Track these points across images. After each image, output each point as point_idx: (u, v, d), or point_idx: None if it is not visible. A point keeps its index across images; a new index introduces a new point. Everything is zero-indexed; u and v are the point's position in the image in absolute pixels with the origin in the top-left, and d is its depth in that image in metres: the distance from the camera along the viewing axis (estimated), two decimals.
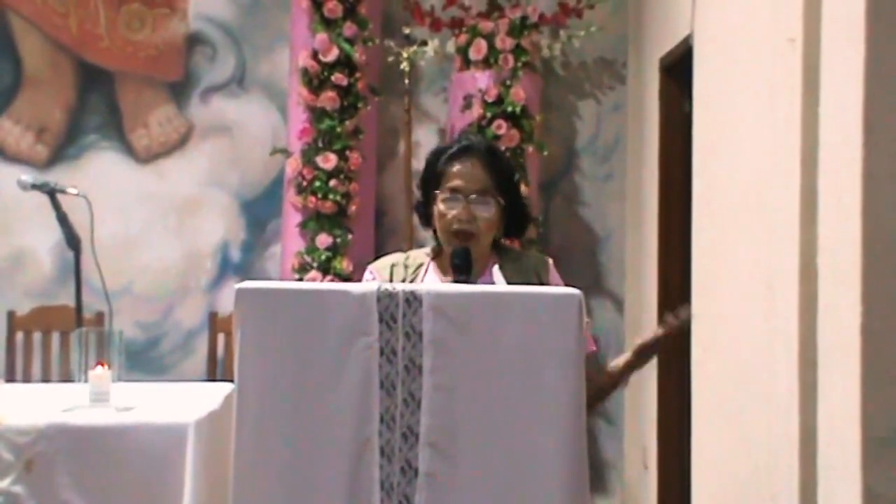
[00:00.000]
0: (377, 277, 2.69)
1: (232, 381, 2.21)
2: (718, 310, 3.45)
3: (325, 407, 2.13)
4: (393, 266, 2.72)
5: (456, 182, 2.65)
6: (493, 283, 2.62)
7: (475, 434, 2.12)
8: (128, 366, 3.14)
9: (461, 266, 2.54)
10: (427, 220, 2.77)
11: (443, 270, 2.69)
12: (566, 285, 2.73)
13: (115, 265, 4.92)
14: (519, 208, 2.76)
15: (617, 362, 2.82)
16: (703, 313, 3.69)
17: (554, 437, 2.11)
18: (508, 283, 2.63)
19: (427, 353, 2.14)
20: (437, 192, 2.67)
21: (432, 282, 2.65)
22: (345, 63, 5.05)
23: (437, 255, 2.75)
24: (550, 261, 2.80)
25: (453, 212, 2.63)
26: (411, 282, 2.66)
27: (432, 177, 2.71)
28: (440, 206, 2.65)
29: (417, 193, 2.84)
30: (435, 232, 2.76)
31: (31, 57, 5.49)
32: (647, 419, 4.84)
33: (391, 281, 2.66)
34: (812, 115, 2.43)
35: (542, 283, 2.69)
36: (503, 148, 4.94)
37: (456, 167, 2.66)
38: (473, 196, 2.63)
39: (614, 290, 5.52)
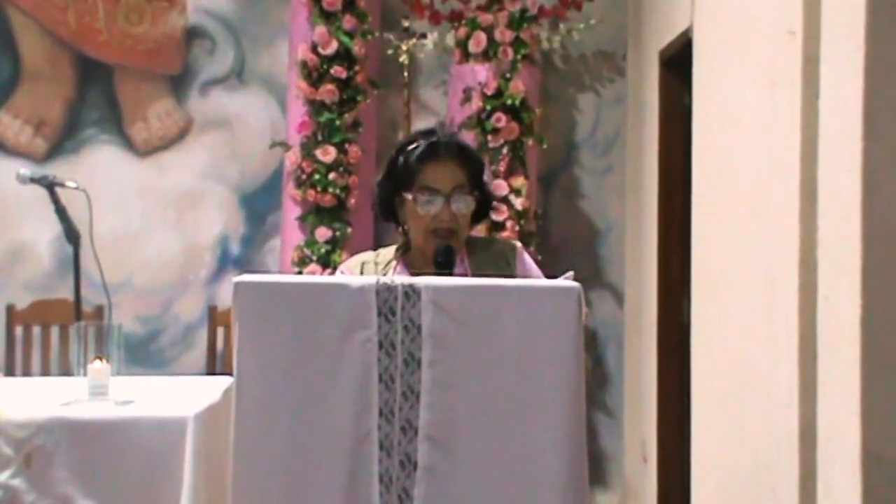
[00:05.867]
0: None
1: (231, 374, 2.20)
2: (718, 302, 3.45)
3: (324, 400, 2.13)
4: (364, 264, 2.71)
5: (432, 181, 2.61)
6: (467, 274, 2.60)
7: (474, 427, 2.12)
8: (127, 360, 3.14)
9: (445, 263, 2.52)
10: (390, 215, 2.73)
11: (412, 266, 2.67)
12: (540, 268, 2.75)
13: (114, 259, 4.92)
14: (488, 199, 2.75)
15: None
16: (703, 306, 3.69)
17: (553, 430, 2.11)
18: (479, 271, 2.62)
19: (426, 346, 2.14)
20: (410, 191, 2.62)
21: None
22: (344, 56, 5.04)
23: (405, 251, 2.73)
24: (519, 245, 2.77)
25: (433, 211, 2.60)
26: None
27: (402, 174, 2.65)
28: (417, 207, 2.61)
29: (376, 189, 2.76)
30: (401, 228, 2.73)
31: (30, 51, 5.48)
32: (646, 412, 4.84)
33: None
34: (812, 107, 2.43)
35: (511, 269, 2.68)
36: (502, 141, 4.95)
37: (430, 165, 2.62)
38: (452, 194, 2.61)
39: (614, 282, 5.52)
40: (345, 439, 2.13)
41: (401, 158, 2.66)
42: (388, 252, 2.75)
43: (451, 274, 2.50)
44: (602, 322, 5.36)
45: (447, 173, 2.62)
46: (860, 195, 2.13)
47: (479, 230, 3.05)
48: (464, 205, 2.63)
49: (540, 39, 5.22)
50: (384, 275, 2.64)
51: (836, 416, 2.30)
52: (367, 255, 2.76)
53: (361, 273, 2.67)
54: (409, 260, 2.70)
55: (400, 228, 2.75)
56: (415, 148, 2.65)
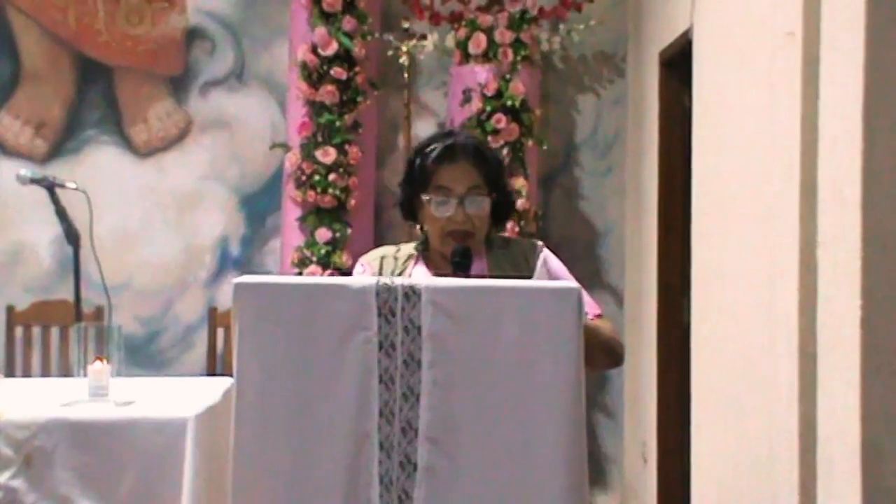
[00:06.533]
0: (367, 269, 2.67)
1: (231, 375, 2.20)
2: (718, 303, 3.45)
3: (324, 401, 2.13)
4: (383, 258, 2.71)
5: (446, 183, 2.60)
6: (484, 273, 2.60)
7: (474, 428, 2.12)
8: (127, 360, 3.15)
9: (462, 263, 2.52)
10: (411, 216, 2.73)
11: (432, 264, 2.67)
12: (566, 266, 2.75)
13: (114, 260, 4.93)
14: (508, 199, 2.75)
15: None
16: (703, 306, 3.69)
17: (553, 431, 2.11)
18: (496, 270, 2.62)
19: (426, 347, 2.13)
20: (426, 193, 2.62)
21: (421, 275, 2.64)
22: (344, 57, 5.05)
23: (425, 249, 2.73)
24: (540, 243, 2.76)
25: (447, 213, 2.59)
26: (400, 274, 2.64)
27: (418, 176, 2.65)
28: (432, 209, 2.61)
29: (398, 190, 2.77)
30: (420, 227, 2.74)
31: (30, 52, 5.48)
32: (646, 413, 4.84)
33: (380, 273, 2.64)
34: (812, 108, 2.43)
35: (529, 268, 2.67)
36: (502, 142, 4.95)
37: (444, 167, 2.61)
38: (466, 196, 2.60)
39: (614, 283, 5.52)
40: (345, 440, 2.13)
41: (418, 160, 2.66)
42: (409, 248, 2.75)
43: (468, 274, 2.50)
44: None
45: (462, 174, 2.61)
46: (860, 195, 2.13)
47: None
48: (478, 206, 2.61)
49: (540, 40, 5.22)
50: (402, 270, 2.65)
51: (836, 416, 2.30)
52: (388, 249, 2.76)
53: (380, 266, 2.67)
54: (429, 257, 2.71)
55: (419, 229, 2.75)
56: (431, 150, 2.65)
